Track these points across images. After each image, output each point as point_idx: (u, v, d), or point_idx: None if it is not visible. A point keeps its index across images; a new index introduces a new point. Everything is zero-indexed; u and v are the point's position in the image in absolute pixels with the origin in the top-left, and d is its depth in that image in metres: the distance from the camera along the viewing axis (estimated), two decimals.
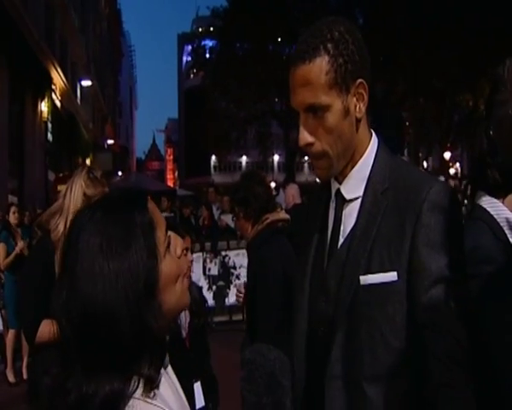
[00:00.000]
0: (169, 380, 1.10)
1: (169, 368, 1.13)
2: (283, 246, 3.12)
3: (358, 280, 1.44)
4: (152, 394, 0.99)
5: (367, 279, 1.43)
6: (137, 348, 0.99)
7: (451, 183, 13.22)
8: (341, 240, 1.53)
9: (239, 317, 8.78)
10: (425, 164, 35.05)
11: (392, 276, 1.40)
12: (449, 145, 30.57)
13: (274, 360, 1.34)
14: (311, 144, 1.47)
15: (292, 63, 1.45)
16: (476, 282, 1.45)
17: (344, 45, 1.42)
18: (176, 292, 1.09)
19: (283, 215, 3.25)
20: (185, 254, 1.18)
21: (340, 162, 1.50)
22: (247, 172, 3.66)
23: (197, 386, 2.80)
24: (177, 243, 1.13)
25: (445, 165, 29.80)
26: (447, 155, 30.40)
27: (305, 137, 1.46)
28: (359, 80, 1.45)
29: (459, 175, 25.14)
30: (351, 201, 1.54)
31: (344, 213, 1.55)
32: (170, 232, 1.12)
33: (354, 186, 1.53)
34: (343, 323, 1.45)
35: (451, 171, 28.65)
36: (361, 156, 1.53)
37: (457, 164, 34.55)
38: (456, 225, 1.43)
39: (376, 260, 1.43)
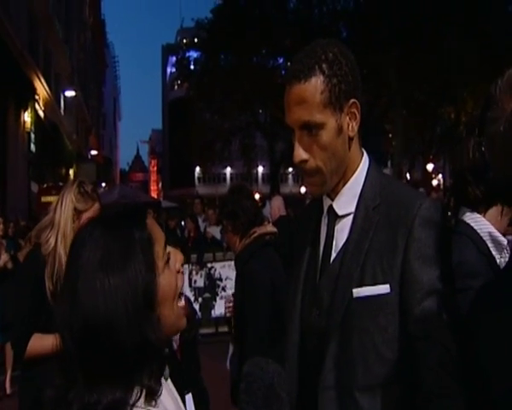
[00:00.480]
0: (170, 391, 1.13)
1: (169, 380, 1.15)
2: (271, 258, 3.15)
3: (351, 293, 1.47)
4: (153, 403, 1.03)
5: (360, 292, 1.46)
6: (138, 360, 1.01)
7: (434, 195, 13.34)
8: (334, 255, 1.58)
9: (225, 329, 8.73)
10: (408, 176, 35.38)
11: (384, 288, 1.45)
12: (431, 157, 30.94)
13: (272, 372, 1.35)
14: (305, 161, 1.51)
15: (287, 82, 1.50)
16: (462, 296, 1.48)
17: (338, 66, 1.47)
18: (175, 309, 1.12)
19: (270, 228, 3.28)
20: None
21: (333, 179, 1.55)
22: (236, 185, 3.69)
23: (189, 398, 2.81)
24: (177, 257, 1.15)
25: (428, 176, 30.13)
26: (430, 166, 30.75)
27: (300, 153, 1.50)
28: (352, 100, 1.50)
29: (441, 187, 25.42)
30: (343, 217, 1.58)
31: (336, 228, 1.59)
32: (170, 248, 1.15)
33: (346, 203, 1.57)
34: (336, 334, 1.49)
35: (434, 182, 28.95)
36: (353, 174, 1.58)
37: (440, 175, 34.91)
38: (446, 239, 1.49)
39: (369, 273, 1.47)
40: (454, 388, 1.34)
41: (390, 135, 31.81)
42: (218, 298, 9.17)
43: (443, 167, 34.58)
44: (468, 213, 1.74)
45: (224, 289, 9.18)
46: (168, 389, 1.11)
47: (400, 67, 23.99)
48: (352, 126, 1.52)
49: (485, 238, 1.69)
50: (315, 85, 1.45)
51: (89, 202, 2.81)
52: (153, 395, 1.02)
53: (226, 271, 9.17)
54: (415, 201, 1.49)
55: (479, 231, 1.69)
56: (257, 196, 18.34)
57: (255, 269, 3.07)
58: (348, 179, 1.58)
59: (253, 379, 1.34)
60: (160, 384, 1.05)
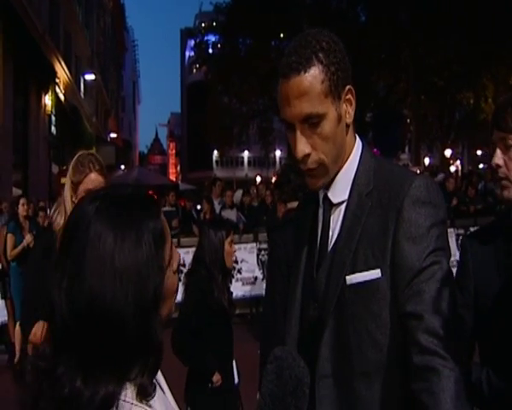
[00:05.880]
0: (158, 389, 1.09)
1: (158, 373, 1.12)
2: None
3: (345, 280, 1.46)
4: (144, 402, 1.00)
5: (352, 279, 1.45)
6: (136, 354, 0.99)
7: (451, 180, 13.17)
8: (330, 244, 1.55)
9: (242, 310, 8.90)
10: (426, 161, 35.05)
11: (375, 273, 1.43)
12: (450, 142, 30.58)
13: (303, 368, 1.32)
14: (308, 155, 1.47)
15: (284, 76, 1.44)
16: None
17: (333, 54, 1.44)
18: (169, 306, 1.09)
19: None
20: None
21: (334, 169, 1.53)
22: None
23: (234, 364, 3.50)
24: (175, 256, 1.10)
25: (446, 162, 29.83)
26: (448, 152, 30.42)
27: (303, 148, 1.47)
28: (348, 87, 1.49)
29: (459, 173, 25.12)
30: (338, 205, 1.56)
31: (332, 217, 1.57)
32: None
33: (340, 190, 1.55)
34: (331, 323, 1.48)
35: (452, 168, 28.63)
36: (347, 160, 1.55)
37: (458, 162, 34.54)
38: (437, 217, 1.44)
39: (361, 259, 1.45)
40: (445, 363, 1.32)
41: (408, 120, 31.54)
42: (234, 280, 9.23)
43: (461, 153, 34.18)
44: None
45: (239, 271, 9.19)
46: (156, 383, 1.07)
47: (418, 53, 23.68)
48: (349, 113, 1.50)
49: None
50: (314, 75, 1.42)
51: (82, 172, 2.73)
52: (145, 394, 0.99)
53: (242, 253, 9.08)
54: (404, 181, 1.45)
55: None
56: (274, 180, 18.41)
57: None
58: (342, 166, 1.55)
59: (286, 366, 1.32)
60: (154, 384, 1.02)
